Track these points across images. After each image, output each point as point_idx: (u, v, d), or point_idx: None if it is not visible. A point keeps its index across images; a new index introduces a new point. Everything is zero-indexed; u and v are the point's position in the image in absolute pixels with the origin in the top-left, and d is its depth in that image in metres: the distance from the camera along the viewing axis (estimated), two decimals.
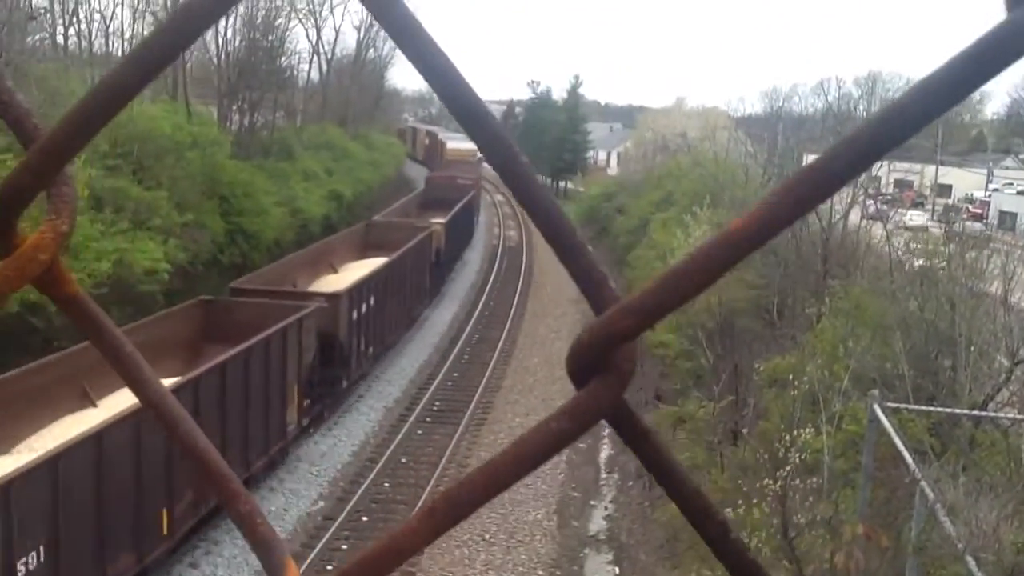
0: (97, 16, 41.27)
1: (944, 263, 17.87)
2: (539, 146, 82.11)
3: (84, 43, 40.65)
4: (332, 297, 22.20)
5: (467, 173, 53.37)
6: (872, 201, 28.16)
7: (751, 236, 0.46)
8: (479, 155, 73.80)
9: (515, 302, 36.50)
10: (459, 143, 76.01)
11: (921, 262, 19.17)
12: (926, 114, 0.46)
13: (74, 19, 39.46)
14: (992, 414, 13.78)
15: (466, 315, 34.27)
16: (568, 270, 0.53)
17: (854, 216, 25.82)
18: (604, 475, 21.33)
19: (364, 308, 24.11)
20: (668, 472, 0.53)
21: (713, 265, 0.47)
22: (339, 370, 22.52)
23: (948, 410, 13.23)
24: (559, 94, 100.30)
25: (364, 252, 31.87)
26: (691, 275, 0.47)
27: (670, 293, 0.48)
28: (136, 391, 0.68)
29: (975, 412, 13.37)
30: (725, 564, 0.54)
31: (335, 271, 28.86)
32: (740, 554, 0.53)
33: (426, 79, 0.56)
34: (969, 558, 8.60)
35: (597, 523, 19.02)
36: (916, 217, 39.69)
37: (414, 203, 45.91)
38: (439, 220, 37.82)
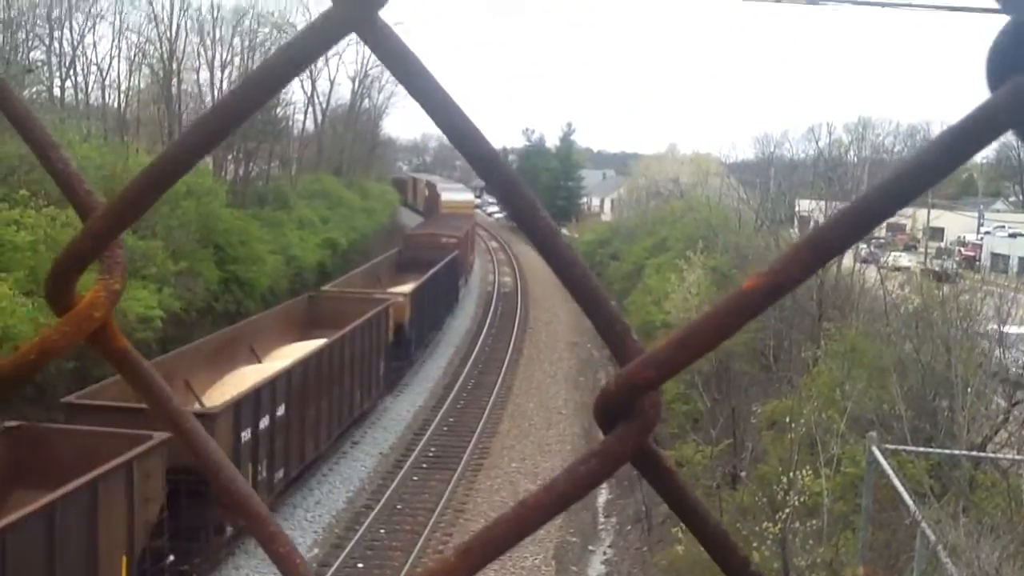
0: (94, 68, 41.77)
1: (938, 305, 17.95)
2: (533, 192, 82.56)
3: (80, 95, 41.09)
4: (205, 417, 15.30)
5: (452, 231, 47.26)
6: (865, 244, 28.33)
7: (761, 297, 0.50)
8: (476, 207, 70.74)
9: (511, 347, 36.51)
10: (455, 194, 73.06)
11: (916, 302, 19.25)
12: (924, 181, 0.50)
13: (71, 71, 39.94)
14: (991, 455, 13.77)
15: (461, 361, 34.24)
16: (591, 321, 0.57)
17: (848, 259, 25.98)
18: (602, 520, 21.18)
19: (266, 421, 17.71)
20: (691, 510, 0.57)
21: (727, 322, 0.51)
22: (216, 516, 15.93)
23: (947, 451, 13.20)
24: (552, 141, 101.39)
25: (307, 331, 26.20)
26: (708, 330, 0.51)
27: (689, 346, 0.52)
28: (182, 441, 0.71)
29: (974, 453, 13.35)
30: None
31: (258, 360, 23.03)
32: None
33: (445, 132, 0.60)
34: None
35: (596, 568, 18.86)
36: (902, 259, 40.02)
37: (388, 265, 39.70)
38: (402, 289, 32.00)
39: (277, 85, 0.60)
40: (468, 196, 73.05)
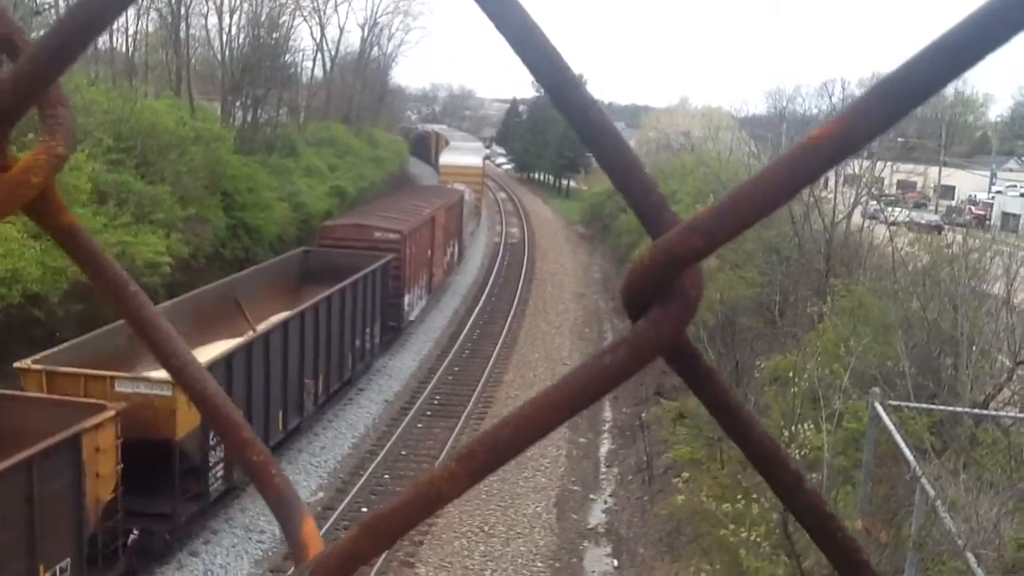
0: None
1: (946, 263, 17.80)
2: (543, 144, 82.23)
3: None
4: None
5: (398, 217, 30.08)
6: (874, 201, 28.04)
7: (828, 151, 0.41)
8: (486, 159, 63.09)
9: (516, 297, 36.52)
10: (456, 156, 58.20)
11: (924, 260, 19.10)
12: (1013, 24, 0.42)
13: None
14: (993, 412, 13.72)
15: (466, 311, 34.26)
16: (622, 193, 0.49)
17: (856, 216, 25.75)
18: (604, 469, 21.30)
19: None
20: (734, 415, 0.49)
21: (785, 181, 0.42)
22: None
23: (949, 408, 13.17)
24: None
25: None
26: (762, 191, 0.43)
27: (740, 210, 0.43)
28: (137, 329, 0.64)
29: (976, 411, 13.31)
30: (798, 517, 0.49)
31: None
32: (815, 508, 0.49)
33: None
34: (969, 554, 8.56)
35: (596, 516, 19.01)
36: (900, 214, 39.74)
37: (278, 275, 24.56)
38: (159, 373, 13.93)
39: None
40: (474, 160, 58.05)
